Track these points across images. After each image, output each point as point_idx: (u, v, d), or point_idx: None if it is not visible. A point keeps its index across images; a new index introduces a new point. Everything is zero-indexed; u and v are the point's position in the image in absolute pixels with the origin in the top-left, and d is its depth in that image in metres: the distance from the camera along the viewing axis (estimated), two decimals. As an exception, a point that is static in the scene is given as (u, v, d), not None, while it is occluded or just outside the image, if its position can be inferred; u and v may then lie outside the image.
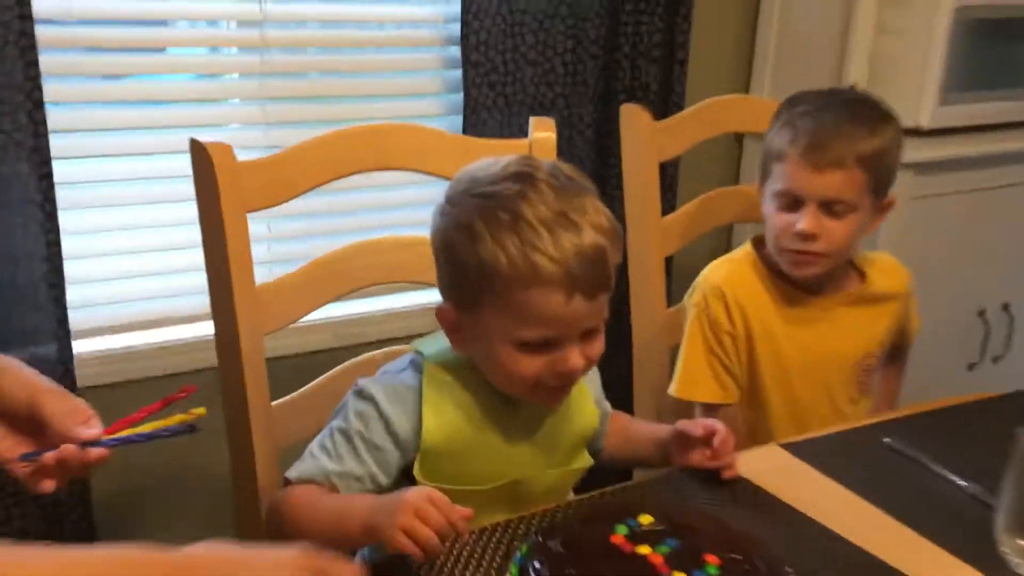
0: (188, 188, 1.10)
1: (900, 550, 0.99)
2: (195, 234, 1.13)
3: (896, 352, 1.51)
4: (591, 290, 0.93)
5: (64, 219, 1.52)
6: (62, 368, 1.56)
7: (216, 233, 1.09)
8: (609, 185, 1.89)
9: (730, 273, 1.37)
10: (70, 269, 1.54)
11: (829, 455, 1.17)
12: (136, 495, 1.72)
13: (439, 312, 1.01)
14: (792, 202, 1.29)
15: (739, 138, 2.18)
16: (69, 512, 1.60)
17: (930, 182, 1.96)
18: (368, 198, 1.89)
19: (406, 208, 1.90)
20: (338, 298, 1.20)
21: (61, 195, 1.52)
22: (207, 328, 1.17)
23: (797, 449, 1.18)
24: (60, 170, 1.49)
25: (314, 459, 1.00)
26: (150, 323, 1.71)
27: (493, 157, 1.00)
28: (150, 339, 1.70)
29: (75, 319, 1.58)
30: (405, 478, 1.00)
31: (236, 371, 1.11)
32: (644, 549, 0.87)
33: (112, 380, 1.67)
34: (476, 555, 0.94)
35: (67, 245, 1.52)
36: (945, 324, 1.99)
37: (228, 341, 1.11)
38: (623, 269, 1.70)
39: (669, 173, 1.98)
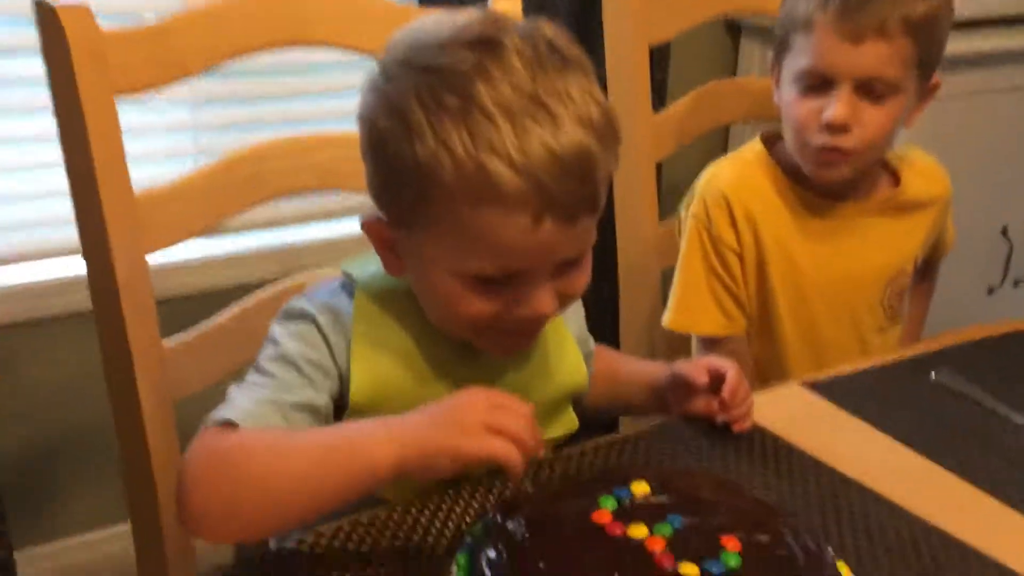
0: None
1: (959, 511, 0.78)
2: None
3: (926, 269, 1.28)
4: (569, 211, 0.67)
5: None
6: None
7: (74, 124, 0.83)
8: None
9: (737, 176, 1.13)
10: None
11: (864, 395, 0.95)
12: (41, 456, 1.49)
13: (366, 224, 0.76)
14: (820, 83, 1.04)
15: (733, 30, 1.91)
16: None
17: (955, 81, 1.72)
18: (331, 80, 1.60)
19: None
20: (243, 210, 0.95)
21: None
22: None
23: (824, 389, 0.95)
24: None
25: (248, 395, 0.72)
26: (44, 253, 1.44)
27: (448, 13, 0.73)
28: (51, 272, 1.45)
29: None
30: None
31: (111, 301, 0.87)
32: (639, 530, 0.64)
33: (9, 320, 1.43)
34: (415, 538, 0.71)
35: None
36: (964, 242, 1.76)
37: (99, 264, 0.87)
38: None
39: (656, 75, 1.72)
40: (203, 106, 1.50)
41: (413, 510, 0.74)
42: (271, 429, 0.70)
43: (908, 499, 0.78)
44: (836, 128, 1.03)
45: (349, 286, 0.79)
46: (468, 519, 0.73)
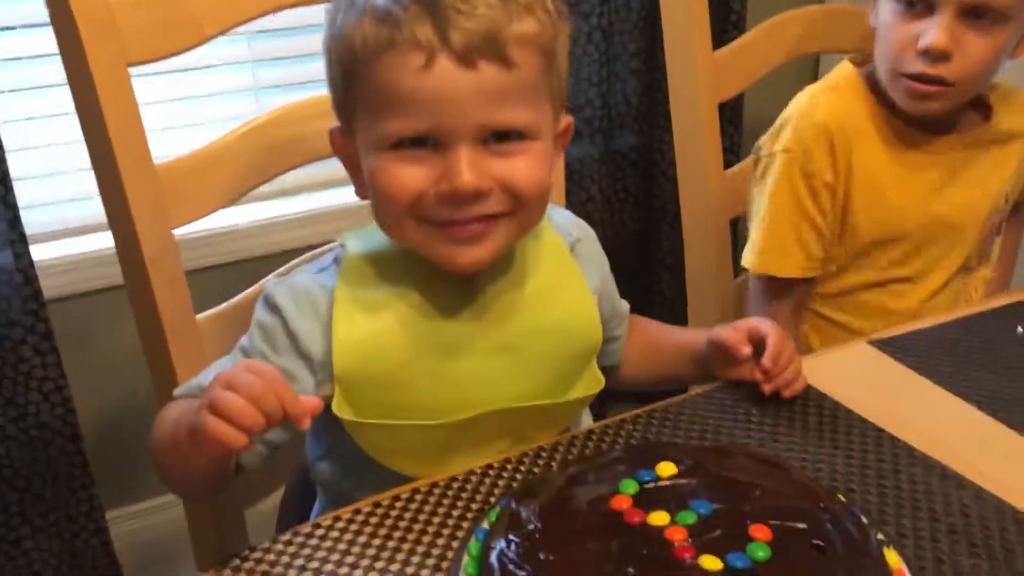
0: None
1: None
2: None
3: (1016, 208, 1.17)
4: (464, 51, 0.65)
5: (-1, 105, 1.28)
6: (21, 277, 1.34)
7: (88, 99, 0.81)
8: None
9: (837, 106, 1.03)
10: (13, 163, 1.30)
11: (938, 354, 0.87)
12: (123, 420, 1.52)
13: (331, 133, 0.76)
14: (921, 5, 0.95)
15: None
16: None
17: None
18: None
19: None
20: (271, 177, 0.92)
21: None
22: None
23: (893, 347, 0.88)
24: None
25: (211, 370, 0.75)
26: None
27: None
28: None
29: (28, 221, 1.36)
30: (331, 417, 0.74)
31: (141, 278, 0.86)
32: (659, 518, 0.59)
33: (84, 289, 1.46)
34: (435, 520, 0.67)
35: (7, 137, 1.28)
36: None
37: (126, 239, 0.85)
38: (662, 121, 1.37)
39: (733, 5, 1.61)
40: (260, 38, 1.48)
41: (438, 487, 0.70)
42: (183, 403, 0.73)
43: (983, 474, 0.71)
44: (934, 55, 0.94)
45: (340, 257, 0.77)
46: (492, 499, 0.69)
